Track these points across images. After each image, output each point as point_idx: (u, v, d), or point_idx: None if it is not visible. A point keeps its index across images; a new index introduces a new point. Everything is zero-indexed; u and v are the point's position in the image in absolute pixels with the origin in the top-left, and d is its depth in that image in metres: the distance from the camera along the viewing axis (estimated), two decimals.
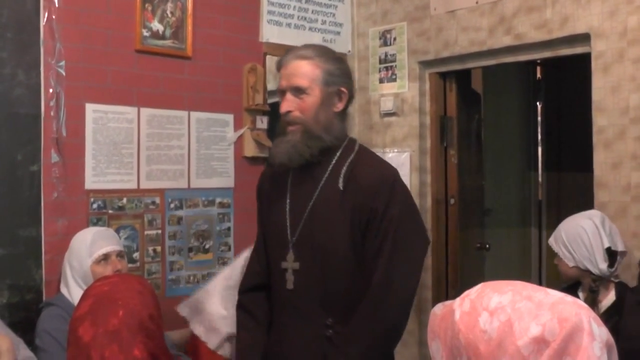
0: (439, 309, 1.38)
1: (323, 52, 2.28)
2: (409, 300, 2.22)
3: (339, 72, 2.27)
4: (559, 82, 5.32)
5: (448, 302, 1.37)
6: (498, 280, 1.35)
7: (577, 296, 2.76)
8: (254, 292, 2.40)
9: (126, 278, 1.91)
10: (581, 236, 2.69)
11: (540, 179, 5.44)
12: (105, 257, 2.71)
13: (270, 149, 2.32)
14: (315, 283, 2.21)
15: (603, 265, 2.64)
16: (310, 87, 2.21)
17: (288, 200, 2.30)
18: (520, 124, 5.47)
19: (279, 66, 2.29)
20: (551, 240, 2.84)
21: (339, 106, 2.28)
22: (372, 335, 2.13)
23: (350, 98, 2.31)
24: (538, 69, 5.32)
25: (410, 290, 2.22)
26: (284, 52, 3.56)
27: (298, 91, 2.21)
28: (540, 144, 5.43)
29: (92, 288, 1.78)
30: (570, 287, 2.84)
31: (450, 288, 4.00)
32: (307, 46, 2.32)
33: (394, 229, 2.15)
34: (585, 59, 3.27)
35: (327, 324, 2.18)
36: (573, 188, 5.14)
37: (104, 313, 1.66)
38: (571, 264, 2.72)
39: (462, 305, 1.30)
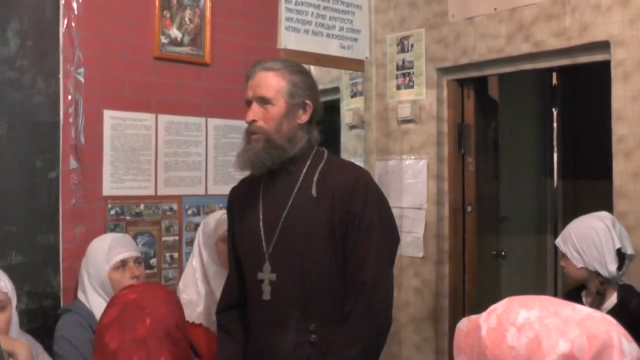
0: (464, 324, 1.37)
1: (289, 65, 2.36)
2: (392, 295, 2.31)
3: (304, 85, 2.32)
4: (576, 89, 5.29)
5: (473, 317, 1.35)
6: (524, 295, 1.34)
7: (580, 299, 2.74)
8: (229, 312, 2.47)
9: (152, 287, 1.92)
10: (592, 237, 2.66)
11: (555, 187, 5.41)
12: (123, 264, 2.71)
13: (235, 157, 2.36)
14: (294, 292, 2.25)
15: (613, 267, 2.62)
16: (275, 98, 2.27)
17: (261, 212, 2.34)
18: (536, 131, 5.44)
19: (247, 77, 2.34)
20: (558, 241, 2.81)
21: (303, 118, 2.32)
22: (369, 334, 2.20)
23: (315, 111, 2.35)
24: (554, 75, 5.29)
25: (392, 287, 2.31)
26: (301, 59, 3.62)
27: (263, 101, 2.27)
28: (556, 151, 5.39)
29: (118, 296, 1.78)
30: (573, 290, 2.82)
31: (467, 296, 3.98)
32: (275, 59, 2.44)
33: (373, 231, 2.22)
34: (603, 65, 3.26)
35: (310, 329, 2.23)
36: (589, 196, 5.09)
37: (131, 321, 1.67)
38: (579, 265, 2.69)
39: (488, 320, 1.28)
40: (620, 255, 2.64)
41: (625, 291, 2.67)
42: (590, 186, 5.06)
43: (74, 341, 2.54)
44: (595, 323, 1.18)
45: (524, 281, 5.26)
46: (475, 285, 4.03)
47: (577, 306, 1.24)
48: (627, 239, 2.69)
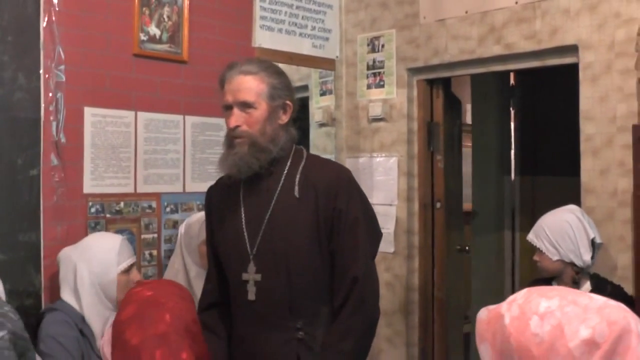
0: (484, 314, 1.43)
1: (266, 67, 2.35)
2: (378, 288, 2.39)
3: (283, 86, 2.34)
4: (534, 89, 5.44)
5: (492, 307, 1.42)
6: (541, 286, 1.42)
7: None
8: (210, 310, 2.47)
9: (166, 283, 1.95)
10: (566, 230, 2.80)
11: (513, 182, 5.56)
12: (130, 267, 2.69)
13: (218, 161, 2.37)
14: (280, 291, 2.28)
15: (587, 257, 2.77)
16: (257, 102, 2.27)
17: (243, 213, 2.36)
18: (496, 130, 5.58)
19: (222, 81, 2.33)
20: (531, 237, 2.93)
21: (284, 118, 2.35)
22: (361, 327, 2.26)
23: (294, 110, 2.39)
24: (511, 75, 5.43)
25: (378, 280, 2.38)
26: (275, 57, 3.65)
27: (245, 106, 2.27)
28: (513, 148, 5.54)
29: (133, 293, 1.80)
30: (542, 280, 2.92)
31: (436, 290, 4.08)
32: (249, 61, 2.38)
33: (360, 227, 2.28)
34: (565, 67, 3.40)
35: (297, 327, 2.27)
36: (548, 192, 5.26)
37: (151, 317, 1.69)
38: (555, 258, 2.82)
39: (510, 309, 1.35)
40: (593, 245, 2.79)
41: (597, 279, 2.84)
42: (549, 182, 5.23)
43: (61, 340, 2.50)
44: (614, 310, 1.27)
45: (484, 274, 5.41)
46: (444, 279, 4.14)
47: (594, 295, 1.33)
48: (595, 229, 2.86)
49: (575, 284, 2.81)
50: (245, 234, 2.33)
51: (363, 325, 2.26)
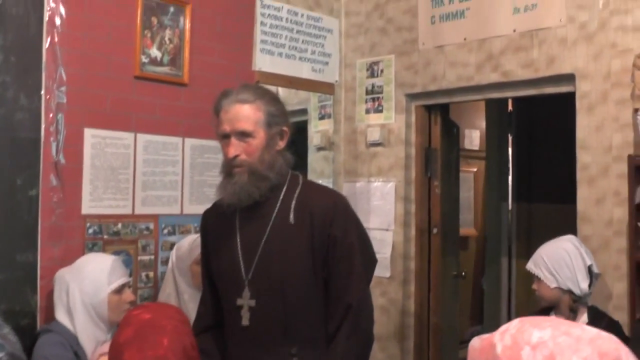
0: (477, 342, 1.44)
1: (262, 94, 2.35)
2: (373, 314, 2.40)
3: (279, 113, 2.34)
4: (532, 116, 5.49)
5: (485, 336, 1.43)
6: (534, 316, 1.43)
7: None
8: (204, 333, 2.46)
9: (164, 306, 1.95)
10: (564, 258, 2.85)
11: (510, 210, 5.58)
12: (121, 288, 2.71)
13: (217, 190, 2.38)
14: (274, 317, 2.28)
15: (584, 285, 2.81)
16: (255, 130, 2.27)
17: (239, 239, 2.35)
18: (494, 156, 5.62)
19: (218, 110, 2.33)
20: (530, 265, 2.97)
21: (281, 145, 2.36)
22: (355, 354, 2.26)
23: (290, 135, 2.39)
24: (509, 102, 5.47)
25: (372, 306, 2.39)
26: (275, 81, 3.68)
27: (243, 135, 2.27)
28: (510, 175, 5.57)
29: (132, 316, 1.81)
30: (543, 311, 2.95)
31: (432, 315, 4.09)
32: (245, 88, 2.37)
33: (355, 254, 2.29)
34: (561, 96, 3.44)
35: (292, 352, 2.27)
36: (543, 219, 5.29)
37: (150, 339, 1.70)
38: (553, 286, 2.85)
39: (502, 339, 1.36)
40: (590, 273, 2.83)
41: (595, 312, 2.86)
42: (545, 210, 5.25)
43: None
44: (605, 342, 1.28)
45: (480, 300, 5.41)
46: (439, 304, 4.14)
47: (585, 326, 1.34)
48: (592, 258, 2.89)
49: (573, 313, 2.83)
50: (241, 259, 2.33)
51: (357, 351, 2.27)
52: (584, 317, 2.83)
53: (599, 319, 2.79)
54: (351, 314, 2.24)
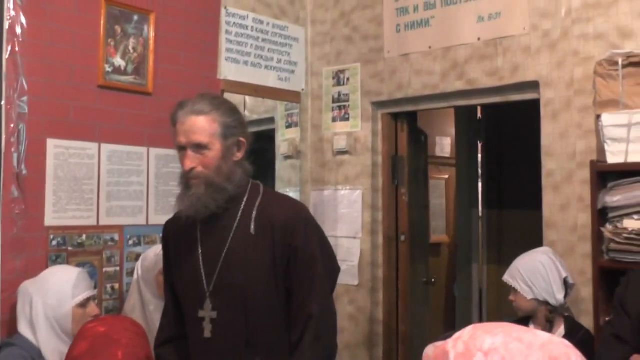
0: (430, 350, 1.45)
1: (218, 105, 2.32)
2: (336, 323, 2.38)
3: (236, 124, 2.32)
4: (499, 123, 5.53)
5: (439, 343, 1.43)
6: (487, 323, 1.43)
7: None
8: (167, 345, 2.45)
9: (120, 319, 1.94)
10: (539, 270, 2.92)
11: (481, 216, 5.61)
12: (86, 302, 2.65)
13: (176, 202, 2.37)
14: (237, 328, 2.27)
15: (560, 296, 2.89)
16: (211, 142, 2.25)
17: (200, 250, 2.34)
18: (464, 163, 5.65)
19: (175, 121, 2.32)
20: (506, 277, 3.03)
21: (239, 155, 2.34)
22: None
23: (248, 145, 2.37)
24: (478, 109, 5.51)
25: (335, 316, 2.37)
26: (240, 89, 3.66)
27: (199, 147, 2.25)
28: (480, 182, 5.61)
29: (87, 329, 1.79)
30: (520, 320, 2.98)
31: (400, 322, 4.09)
32: (201, 98, 2.34)
33: (316, 264, 2.28)
34: (529, 103, 3.48)
35: None
36: (513, 225, 5.33)
37: (104, 352, 1.68)
38: (529, 297, 2.92)
39: (455, 346, 1.36)
40: (566, 285, 2.91)
41: (571, 323, 2.94)
42: (515, 216, 5.29)
43: None
44: (556, 347, 1.29)
45: (452, 306, 5.43)
46: (408, 311, 4.15)
47: (537, 332, 1.34)
48: (566, 269, 2.97)
49: (549, 323, 2.90)
50: (202, 271, 2.31)
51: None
52: (561, 328, 2.91)
53: (576, 331, 2.87)
54: (313, 323, 2.23)
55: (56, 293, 2.64)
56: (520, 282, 2.95)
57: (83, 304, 2.64)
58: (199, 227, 2.36)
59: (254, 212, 2.31)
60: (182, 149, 2.29)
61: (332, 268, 2.40)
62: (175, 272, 2.43)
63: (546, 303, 2.91)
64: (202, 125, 2.25)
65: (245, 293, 2.26)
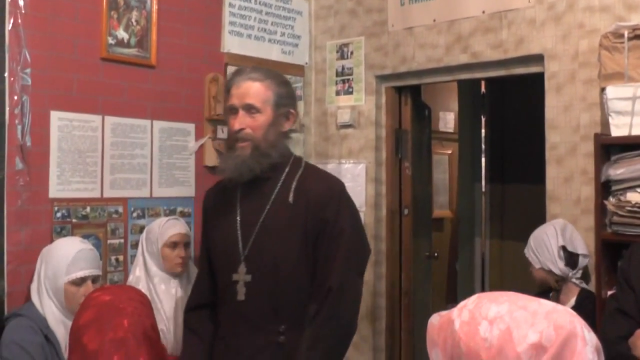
0: (435, 319, 1.45)
1: (273, 75, 2.43)
2: (358, 302, 2.40)
3: (288, 95, 2.43)
4: (503, 97, 5.51)
5: (444, 312, 1.44)
6: (492, 292, 1.44)
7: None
8: (198, 311, 2.52)
9: (125, 288, 1.96)
10: (543, 240, 2.99)
11: (484, 190, 5.61)
12: (82, 280, 2.65)
13: (219, 163, 2.41)
14: (267, 293, 2.32)
15: (561, 265, 2.93)
16: (263, 107, 2.34)
17: (238, 215, 2.40)
18: (467, 137, 5.64)
19: (229, 86, 2.40)
20: (525, 250, 3.11)
21: (286, 126, 2.43)
22: (332, 338, 2.27)
23: (296, 118, 2.47)
24: (482, 83, 5.49)
25: (359, 294, 2.41)
26: (244, 63, 3.66)
27: (250, 109, 2.33)
28: (484, 156, 5.60)
29: (91, 298, 1.80)
30: (542, 293, 3.02)
31: (403, 296, 4.11)
32: (257, 68, 2.46)
33: (344, 239, 2.31)
34: (533, 76, 3.46)
35: (280, 330, 2.30)
36: (516, 199, 5.33)
37: (110, 321, 1.69)
38: (537, 266, 3.01)
39: (460, 315, 1.37)
40: (568, 254, 2.94)
41: (584, 296, 2.96)
42: (518, 190, 5.29)
43: (25, 345, 2.50)
44: (561, 315, 1.29)
45: (454, 280, 5.46)
46: (411, 285, 4.17)
47: (542, 300, 1.35)
48: (578, 240, 3.01)
49: (556, 292, 3.00)
50: (239, 235, 2.37)
51: (333, 336, 2.27)
52: (572, 300, 2.94)
53: (585, 305, 2.88)
54: (329, 298, 2.25)
55: (53, 267, 2.68)
56: (531, 252, 3.05)
57: (77, 282, 2.65)
58: (239, 193, 2.42)
59: (294, 183, 2.37)
60: (233, 110, 2.36)
61: (361, 247, 2.42)
62: (213, 236, 2.50)
63: (552, 272, 2.97)
64: (257, 89, 2.34)
65: (276, 259, 2.31)
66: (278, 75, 2.49)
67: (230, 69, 3.78)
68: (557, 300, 2.93)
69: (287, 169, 2.41)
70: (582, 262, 2.98)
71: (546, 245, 2.97)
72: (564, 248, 2.95)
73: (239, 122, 2.33)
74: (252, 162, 2.32)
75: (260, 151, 2.32)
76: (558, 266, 2.94)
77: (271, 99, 2.35)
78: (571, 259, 2.96)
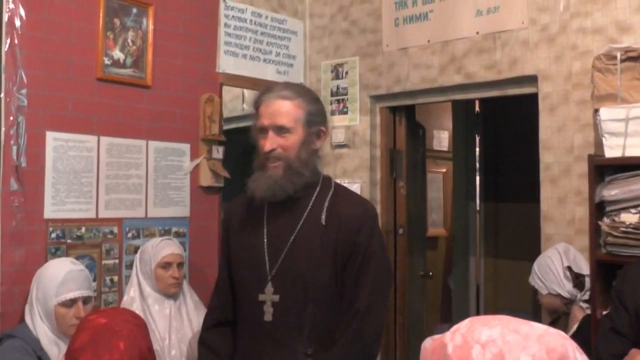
0: (428, 343, 1.45)
1: (304, 93, 2.36)
2: (382, 326, 2.37)
3: (319, 113, 2.36)
4: (497, 116, 5.53)
5: (437, 336, 1.44)
6: (484, 315, 1.44)
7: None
8: (216, 329, 2.45)
9: (120, 311, 1.95)
10: (547, 264, 3.00)
11: (478, 209, 5.62)
12: (72, 302, 2.64)
13: (249, 182, 2.37)
14: (296, 314, 2.27)
15: (569, 286, 2.93)
16: (294, 127, 2.27)
17: (265, 233, 2.34)
18: (461, 156, 5.65)
19: (259, 104, 2.33)
20: (529, 278, 3.10)
21: (318, 144, 2.37)
22: (355, 359, 2.23)
23: (327, 137, 2.42)
24: (476, 102, 5.51)
25: (383, 318, 2.37)
26: (239, 83, 3.67)
27: (281, 130, 2.27)
28: (478, 175, 5.62)
29: (88, 320, 1.80)
30: (553, 323, 3.02)
31: (398, 314, 4.11)
32: (286, 85, 2.37)
33: (373, 262, 2.27)
34: (527, 96, 3.48)
35: (308, 353, 2.25)
36: (510, 218, 5.34)
37: (106, 344, 1.69)
38: (545, 292, 3.00)
39: (453, 339, 1.37)
40: (574, 275, 2.95)
41: (586, 321, 2.92)
42: (512, 209, 5.30)
43: None
44: (552, 338, 1.30)
45: (449, 300, 5.45)
46: (406, 304, 4.17)
47: (534, 324, 1.36)
48: (582, 262, 3.01)
49: (566, 316, 2.98)
50: (266, 254, 2.32)
51: (358, 358, 2.23)
52: (575, 326, 2.93)
53: (587, 331, 2.84)
54: (356, 320, 2.22)
55: (43, 288, 2.68)
56: (536, 279, 3.03)
57: (67, 304, 2.63)
58: (265, 211, 2.37)
59: (326, 203, 2.32)
60: (263, 131, 2.30)
61: (387, 271, 2.40)
62: (235, 254, 2.43)
63: (561, 296, 2.95)
64: (287, 109, 2.27)
65: (306, 280, 2.26)
66: (309, 92, 2.42)
67: (226, 89, 3.81)
68: (565, 326, 2.92)
69: (318, 189, 2.35)
70: (588, 283, 2.96)
71: (551, 269, 2.97)
72: (569, 269, 2.95)
73: (270, 143, 2.27)
74: (285, 182, 2.27)
75: (293, 170, 2.27)
76: (565, 288, 2.93)
77: (302, 118, 2.28)
78: (577, 280, 2.95)
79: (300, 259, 2.28)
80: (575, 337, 2.76)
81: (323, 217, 2.30)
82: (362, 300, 2.23)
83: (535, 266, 3.06)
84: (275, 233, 2.33)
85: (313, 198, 2.34)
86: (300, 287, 2.27)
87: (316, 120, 2.33)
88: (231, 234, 2.48)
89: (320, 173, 2.41)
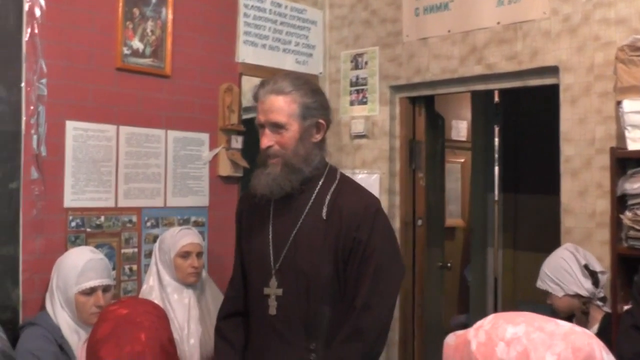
0: (451, 339, 1.44)
1: (299, 85, 2.30)
2: (387, 323, 2.30)
3: (316, 105, 2.30)
4: (517, 106, 5.48)
5: (460, 332, 1.43)
6: (508, 312, 1.43)
7: None
8: (231, 319, 2.47)
9: (141, 302, 1.96)
10: (562, 265, 2.91)
11: (497, 200, 5.58)
12: (92, 290, 2.66)
13: (251, 180, 2.37)
14: (298, 309, 2.27)
15: (588, 284, 2.86)
16: (289, 123, 2.25)
17: (271, 228, 2.35)
18: (480, 146, 5.61)
19: (256, 98, 2.32)
20: (538, 283, 3.03)
21: (317, 137, 2.33)
22: (354, 356, 2.20)
23: (328, 127, 2.37)
24: (496, 93, 5.46)
25: (388, 315, 2.30)
26: (258, 73, 3.66)
27: (276, 127, 2.26)
28: (497, 165, 5.58)
29: (108, 312, 1.81)
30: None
31: (416, 306, 4.10)
32: (283, 78, 2.33)
33: (375, 257, 2.23)
34: (548, 87, 3.45)
35: (311, 348, 2.25)
36: (529, 210, 5.30)
37: (127, 335, 1.70)
38: (561, 294, 2.91)
39: (477, 335, 1.36)
40: (590, 272, 2.88)
41: (608, 321, 2.87)
42: (530, 201, 5.26)
43: (39, 354, 2.50)
44: (579, 337, 1.28)
45: (467, 291, 5.43)
46: (424, 296, 4.16)
47: (559, 321, 1.34)
48: (593, 259, 2.95)
49: (585, 315, 2.90)
50: (271, 248, 2.33)
51: (356, 356, 2.21)
52: (595, 327, 2.87)
53: (608, 331, 2.79)
54: (354, 316, 2.20)
55: (64, 277, 2.69)
56: (549, 283, 2.94)
57: (87, 292, 2.65)
58: (272, 205, 2.37)
59: (328, 197, 2.30)
60: (261, 127, 2.30)
61: (392, 267, 2.31)
62: (246, 246, 2.46)
63: (579, 296, 2.88)
64: (280, 105, 2.25)
65: (308, 275, 2.26)
66: (305, 83, 2.34)
67: (245, 79, 3.80)
68: (584, 327, 2.88)
69: (321, 181, 2.33)
70: (602, 279, 2.92)
71: (566, 270, 2.89)
72: (586, 267, 2.89)
73: (267, 140, 2.27)
74: (282, 179, 2.26)
75: (290, 167, 2.26)
76: (584, 287, 2.86)
77: (296, 112, 2.25)
78: (593, 277, 2.90)
79: (302, 253, 2.28)
80: (599, 337, 2.75)
81: (324, 211, 2.28)
82: (360, 298, 2.21)
83: (546, 269, 2.97)
84: (280, 227, 2.34)
85: (316, 191, 2.32)
86: (303, 282, 2.27)
87: (312, 113, 2.29)
88: (243, 226, 2.50)
89: (327, 164, 2.39)
